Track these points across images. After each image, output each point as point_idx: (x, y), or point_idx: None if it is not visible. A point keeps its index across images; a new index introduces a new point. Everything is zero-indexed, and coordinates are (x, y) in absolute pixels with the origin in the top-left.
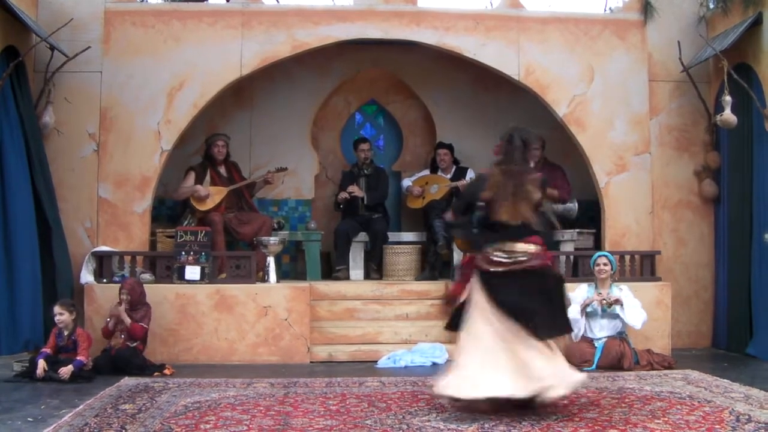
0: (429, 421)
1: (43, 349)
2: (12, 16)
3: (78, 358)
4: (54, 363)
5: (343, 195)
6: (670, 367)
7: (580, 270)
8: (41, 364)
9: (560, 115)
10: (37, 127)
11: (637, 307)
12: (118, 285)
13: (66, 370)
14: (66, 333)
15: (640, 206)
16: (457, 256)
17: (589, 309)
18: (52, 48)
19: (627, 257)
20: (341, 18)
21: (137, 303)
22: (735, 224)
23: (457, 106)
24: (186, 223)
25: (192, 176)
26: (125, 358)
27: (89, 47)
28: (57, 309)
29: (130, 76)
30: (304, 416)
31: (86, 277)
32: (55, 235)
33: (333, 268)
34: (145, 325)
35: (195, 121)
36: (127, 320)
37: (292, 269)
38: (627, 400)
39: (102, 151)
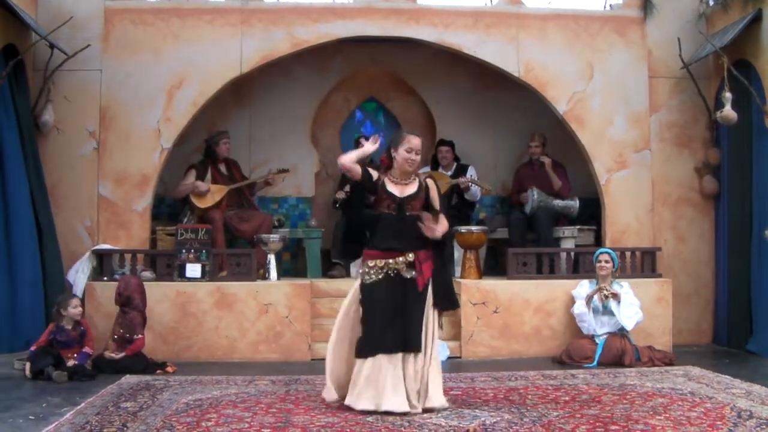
0: (430, 418)
1: (33, 348)
2: (11, 14)
3: (84, 349)
4: (59, 363)
5: (340, 195)
6: (671, 364)
7: (581, 267)
8: (28, 366)
9: (560, 112)
10: (32, 126)
11: (634, 306)
12: (117, 283)
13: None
14: (69, 327)
15: (641, 203)
16: (458, 253)
17: (591, 305)
18: (52, 46)
19: (627, 254)
20: (340, 15)
21: (132, 302)
22: (735, 221)
23: (457, 104)
24: (186, 221)
25: (193, 174)
26: (126, 366)
27: (89, 45)
28: (76, 302)
29: (129, 74)
30: (306, 413)
31: (75, 277)
32: (45, 236)
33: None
34: (141, 335)
35: (194, 119)
36: (119, 356)
37: (292, 267)
38: (628, 396)
39: (102, 149)
